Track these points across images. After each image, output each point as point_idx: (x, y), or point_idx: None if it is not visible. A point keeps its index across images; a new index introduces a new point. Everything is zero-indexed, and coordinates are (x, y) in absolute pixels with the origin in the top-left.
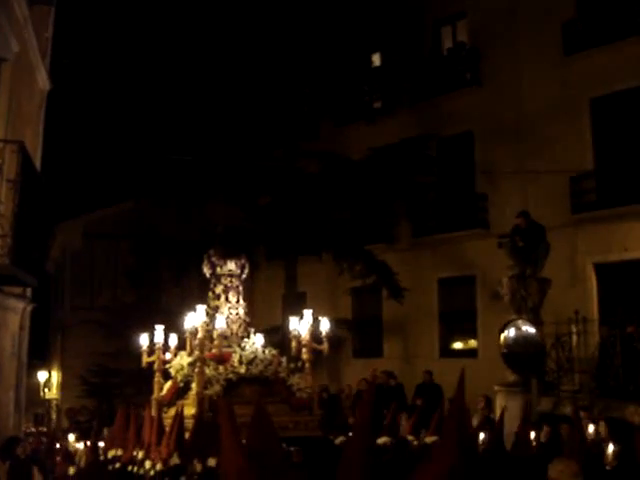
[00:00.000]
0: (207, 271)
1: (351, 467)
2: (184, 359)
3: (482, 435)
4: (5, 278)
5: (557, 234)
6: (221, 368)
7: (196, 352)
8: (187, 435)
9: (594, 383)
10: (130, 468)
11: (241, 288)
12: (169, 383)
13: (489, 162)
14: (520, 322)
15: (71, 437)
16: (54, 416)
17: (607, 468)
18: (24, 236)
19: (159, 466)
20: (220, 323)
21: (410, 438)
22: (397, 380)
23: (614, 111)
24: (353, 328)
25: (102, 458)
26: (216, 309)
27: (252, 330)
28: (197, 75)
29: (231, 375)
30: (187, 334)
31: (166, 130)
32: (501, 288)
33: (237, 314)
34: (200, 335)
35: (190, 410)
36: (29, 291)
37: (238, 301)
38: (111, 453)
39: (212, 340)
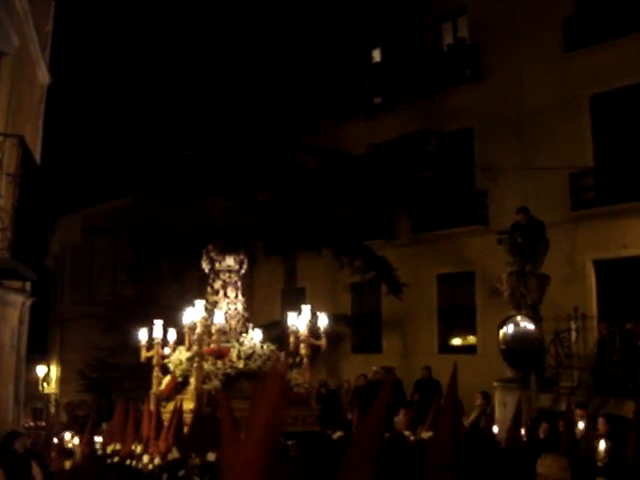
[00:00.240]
0: (206, 266)
1: (361, 458)
2: (183, 354)
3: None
4: (5, 272)
5: (556, 231)
6: (220, 363)
7: (195, 347)
8: (186, 429)
9: (593, 379)
10: (129, 462)
11: (240, 284)
12: (168, 378)
13: (489, 158)
14: (519, 318)
15: (67, 436)
16: (53, 410)
17: (598, 464)
18: (24, 230)
19: (157, 460)
20: (219, 318)
21: (407, 433)
22: (396, 376)
23: (614, 108)
24: (352, 324)
25: (100, 452)
26: (215, 304)
27: (251, 325)
28: (197, 70)
29: (229, 370)
30: (186, 329)
31: (166, 125)
32: (500, 284)
33: (236, 309)
34: (199, 330)
35: (189, 405)
36: (28, 285)
37: (237, 296)
38: (110, 448)
39: (211, 335)
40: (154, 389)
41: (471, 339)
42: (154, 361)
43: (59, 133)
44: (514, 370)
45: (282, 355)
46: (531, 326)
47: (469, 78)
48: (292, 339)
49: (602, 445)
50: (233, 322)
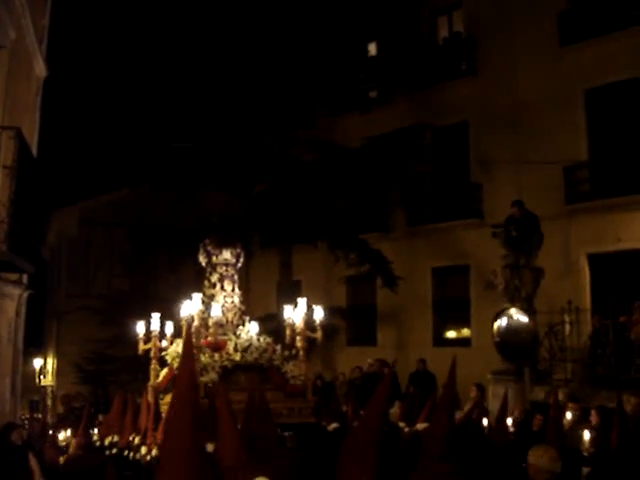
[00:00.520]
0: (203, 260)
1: (362, 450)
2: (180, 347)
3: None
4: (2, 264)
5: (551, 224)
6: (216, 356)
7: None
8: None
9: (586, 372)
10: (126, 453)
11: (236, 277)
12: (165, 370)
13: (484, 152)
14: (513, 311)
15: (61, 436)
16: (49, 403)
17: (584, 454)
18: (20, 222)
19: (155, 451)
20: (216, 311)
21: (401, 425)
22: (395, 369)
23: (608, 102)
24: (347, 316)
25: (98, 444)
26: (212, 297)
27: (247, 318)
28: (194, 63)
29: (226, 362)
30: (183, 322)
31: (163, 118)
32: (495, 277)
33: (232, 302)
34: (196, 323)
35: None
36: (25, 278)
37: (233, 290)
38: (108, 440)
39: (208, 328)
40: (151, 381)
41: (465, 332)
42: (151, 354)
43: (56, 126)
44: (508, 362)
45: (278, 348)
46: (525, 319)
47: (464, 72)
48: (288, 332)
49: (587, 435)
50: (230, 315)
